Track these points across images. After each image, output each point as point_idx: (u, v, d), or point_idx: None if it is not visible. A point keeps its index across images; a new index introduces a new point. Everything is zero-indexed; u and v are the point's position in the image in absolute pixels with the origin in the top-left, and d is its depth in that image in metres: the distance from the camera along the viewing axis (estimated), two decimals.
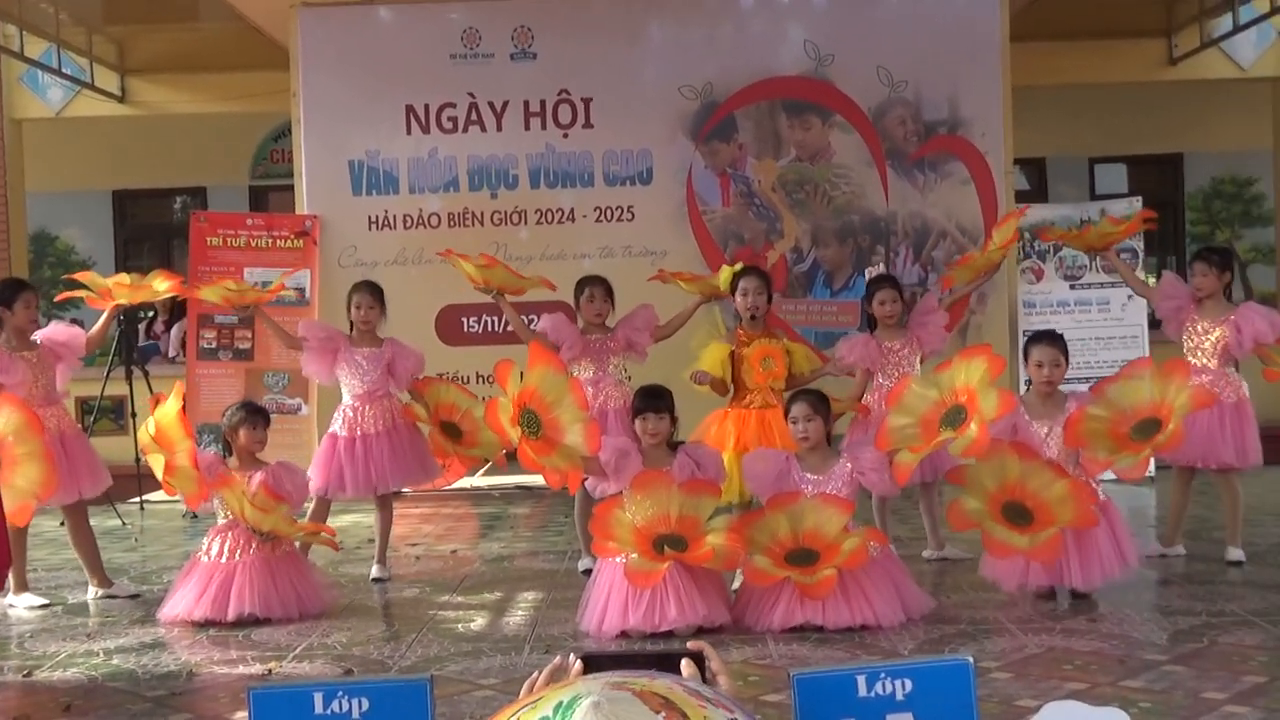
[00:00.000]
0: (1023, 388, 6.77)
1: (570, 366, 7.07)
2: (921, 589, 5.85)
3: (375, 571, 7.04)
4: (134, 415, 10.35)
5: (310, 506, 6.99)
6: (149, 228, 14.76)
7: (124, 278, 7.20)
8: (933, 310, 7.20)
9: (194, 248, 10.13)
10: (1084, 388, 6.46)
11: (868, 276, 9.23)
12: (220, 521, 6.28)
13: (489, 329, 10.15)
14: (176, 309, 12.07)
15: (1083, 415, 5.93)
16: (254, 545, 6.13)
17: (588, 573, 6.18)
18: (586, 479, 5.95)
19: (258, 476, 6.24)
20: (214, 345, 10.04)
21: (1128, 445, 5.85)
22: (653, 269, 8.31)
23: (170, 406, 6.27)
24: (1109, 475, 6.29)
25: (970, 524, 5.92)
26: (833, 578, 5.41)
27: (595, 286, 7.17)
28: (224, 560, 6.11)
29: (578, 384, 5.83)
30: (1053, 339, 6.25)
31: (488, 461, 7.27)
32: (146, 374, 10.62)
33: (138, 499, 10.13)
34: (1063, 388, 6.21)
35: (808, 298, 10.15)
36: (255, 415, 6.43)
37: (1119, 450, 5.87)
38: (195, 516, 8.85)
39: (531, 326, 7.33)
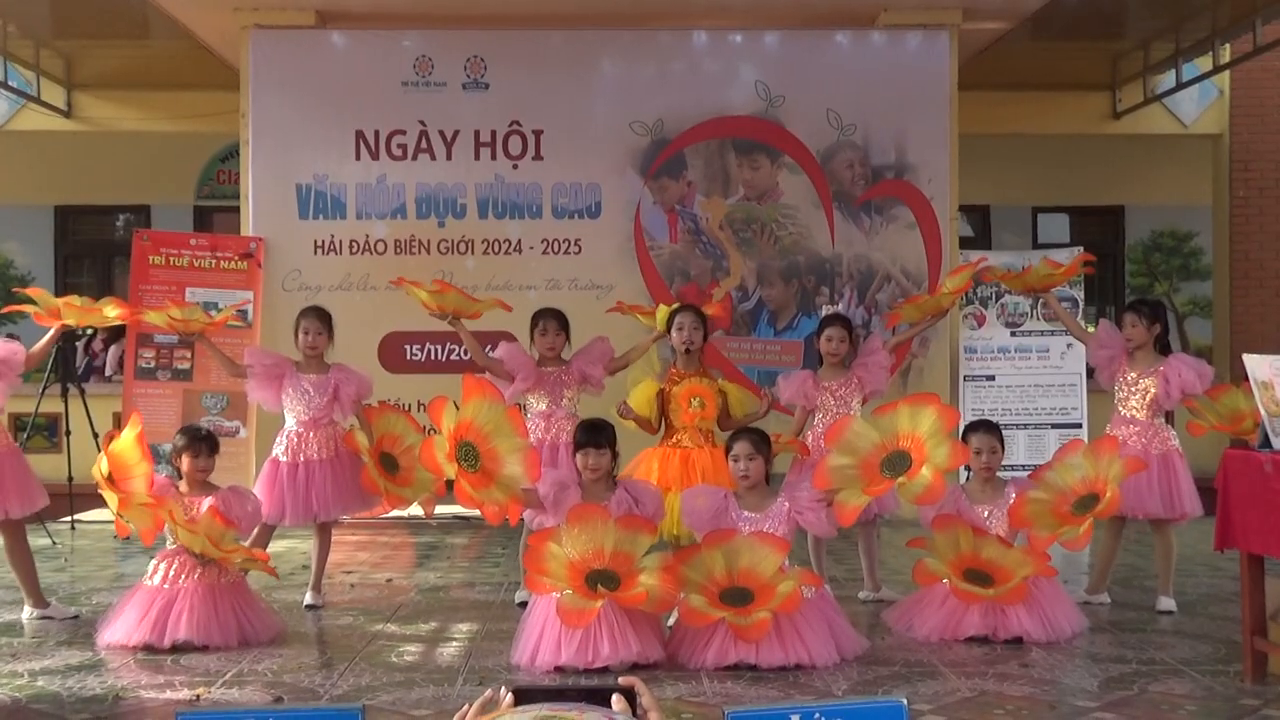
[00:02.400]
0: (962, 474, 6.88)
1: (524, 399, 7.08)
2: (856, 630, 5.89)
3: (309, 598, 6.99)
4: (68, 434, 10.23)
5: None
6: (91, 244, 14.59)
7: (75, 299, 7.06)
8: (876, 351, 7.23)
9: (136, 266, 10.03)
10: (1023, 434, 6.63)
11: (822, 313, 9.31)
12: (168, 546, 6.19)
13: (432, 357, 10.12)
14: (115, 327, 11.92)
15: (1025, 499, 6.27)
16: (198, 571, 6.04)
17: (524, 605, 6.16)
18: (525, 511, 5.94)
19: (207, 501, 6.18)
20: (152, 365, 9.93)
21: (1069, 520, 6.15)
22: (599, 302, 8.33)
23: (126, 436, 6.18)
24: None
25: (935, 579, 6.21)
26: (767, 621, 5.42)
27: (550, 320, 7.19)
28: (166, 585, 6.03)
29: (516, 413, 5.82)
30: (989, 428, 6.57)
31: (411, 503, 7.19)
32: (83, 392, 10.51)
33: (69, 518, 10.00)
34: (1001, 474, 6.54)
35: (751, 336, 10.19)
36: (198, 443, 6.33)
37: (1062, 525, 6.14)
38: (127, 539, 8.72)
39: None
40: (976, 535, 6.10)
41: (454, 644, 6.08)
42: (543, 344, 7.16)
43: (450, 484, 5.65)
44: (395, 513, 7.86)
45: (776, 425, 7.20)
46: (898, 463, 5.77)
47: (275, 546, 7.72)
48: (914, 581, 6.34)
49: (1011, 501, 6.30)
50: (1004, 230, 13.99)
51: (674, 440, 6.75)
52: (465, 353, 8.48)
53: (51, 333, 6.94)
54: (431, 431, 5.71)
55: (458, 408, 5.51)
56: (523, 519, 6.14)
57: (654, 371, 7.08)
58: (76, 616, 6.65)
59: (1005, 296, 10.41)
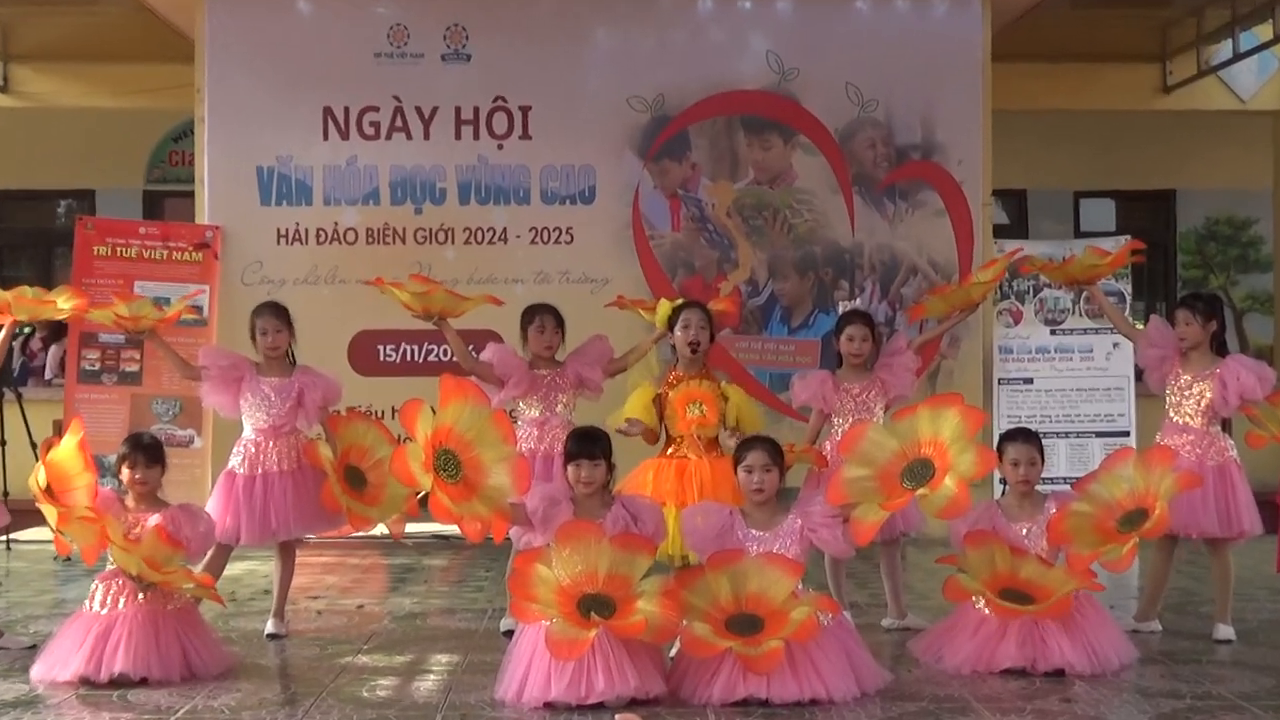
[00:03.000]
0: (997, 487, 6.87)
1: (515, 405, 7.06)
2: (879, 661, 5.87)
3: (271, 627, 6.96)
4: (3, 443, 10.20)
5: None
6: (29, 233, 14.58)
7: (26, 291, 6.93)
8: (901, 352, 7.22)
9: (79, 257, 10.01)
10: (1065, 444, 6.62)
11: (841, 309, 9.30)
12: (109, 567, 6.10)
13: (408, 358, 10.12)
14: (56, 325, 11.90)
15: (1066, 513, 6.24)
16: (140, 596, 5.97)
17: (510, 634, 6.14)
18: (512, 528, 5.92)
19: (154, 519, 6.10)
20: (97, 367, 9.93)
21: (1114, 537, 6.13)
22: (593, 297, 8.33)
23: (67, 443, 6.13)
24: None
25: (967, 595, 6.19)
26: (779, 651, 5.38)
27: (547, 316, 7.18)
28: (104, 611, 5.96)
29: (503, 417, 5.77)
30: (1027, 436, 6.52)
31: (378, 524, 7.15)
32: (20, 397, 10.48)
33: (3, 538, 9.97)
34: (1040, 488, 6.47)
35: (763, 335, 10.20)
36: (136, 452, 6.23)
37: (1105, 542, 6.12)
38: (68, 560, 8.71)
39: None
40: (1014, 554, 6.09)
41: (432, 677, 6.06)
42: (539, 343, 7.15)
43: (424, 501, 5.61)
44: (366, 532, 7.82)
45: (790, 434, 7.18)
46: (919, 472, 5.74)
47: (233, 569, 7.71)
48: (944, 598, 6.32)
49: (1051, 516, 6.30)
50: (1043, 217, 13.97)
51: (670, 451, 6.71)
52: (446, 353, 8.46)
53: (4, 330, 6.88)
54: (405, 440, 5.67)
55: (435, 412, 5.48)
56: (508, 537, 6.12)
57: (652, 375, 7.03)
58: (33, 647, 6.47)
59: (1045, 290, 10.41)
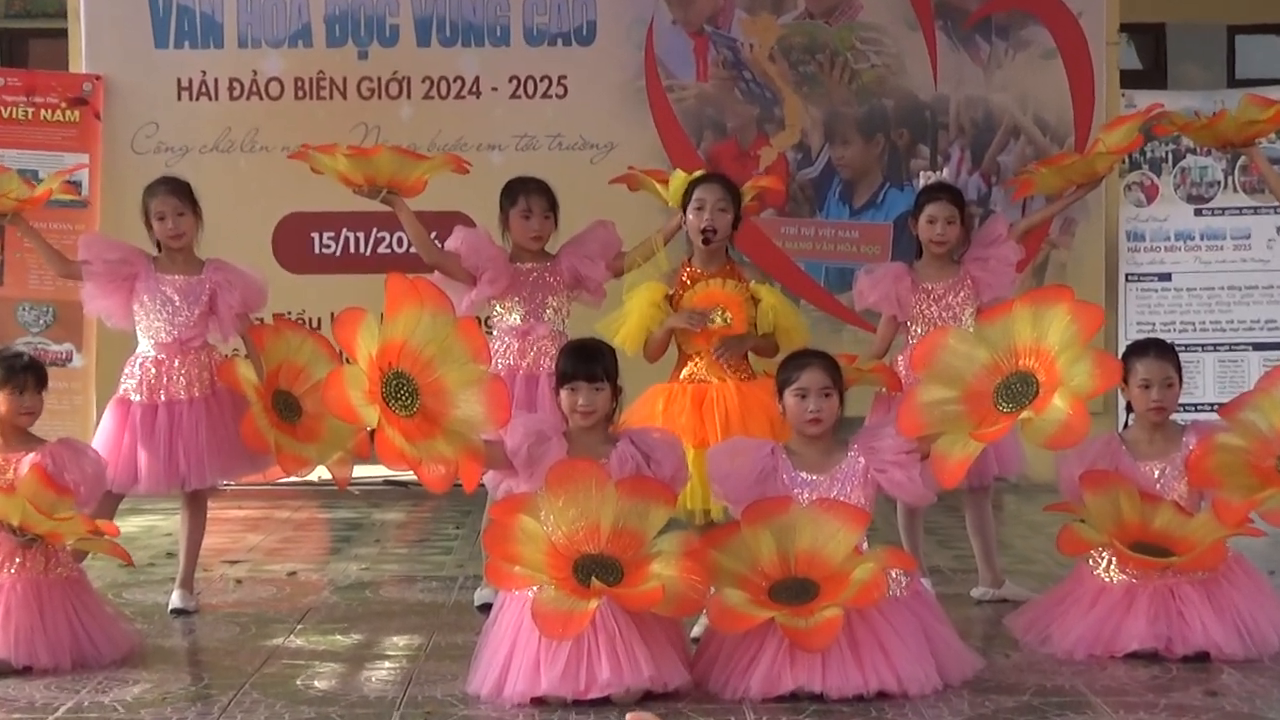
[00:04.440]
0: (1121, 416, 6.85)
1: (492, 310, 7.05)
2: (967, 644, 5.89)
3: (176, 599, 7.01)
4: None
5: None
6: None
7: None
8: (998, 240, 7.20)
9: None
10: (1212, 359, 6.59)
11: (920, 183, 9.28)
12: None
13: (352, 249, 10.13)
14: None
15: (1212, 448, 6.20)
16: (16, 561, 5.99)
17: (486, 609, 6.18)
18: (487, 473, 5.95)
19: (29, 459, 6.13)
20: None
21: (1275, 479, 6.09)
22: (593, 169, 8.31)
23: None
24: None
25: (1087, 547, 6.23)
26: (837, 620, 5.36)
27: (536, 195, 7.15)
28: None
29: (472, 326, 5.72)
30: (1162, 350, 6.45)
31: (318, 465, 7.17)
32: None
33: None
34: (1178, 415, 6.43)
35: (817, 218, 10.18)
36: (18, 375, 6.24)
37: (1263, 486, 6.09)
38: None
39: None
40: (1145, 500, 6.09)
41: (386, 666, 6.10)
42: (524, 230, 7.12)
43: (375, 435, 5.60)
44: (300, 477, 7.85)
45: (852, 346, 7.18)
46: (1019, 390, 5.69)
47: (126, 525, 7.75)
48: (1059, 551, 6.34)
49: (1190, 452, 6.30)
50: (1186, 60, 13.87)
51: (684, 373, 6.67)
52: (403, 242, 8.46)
53: None
54: (347, 361, 5.66)
55: (382, 322, 5.42)
56: (483, 485, 6.13)
57: (660, 272, 6.96)
58: None
59: (1188, 157, 10.36)
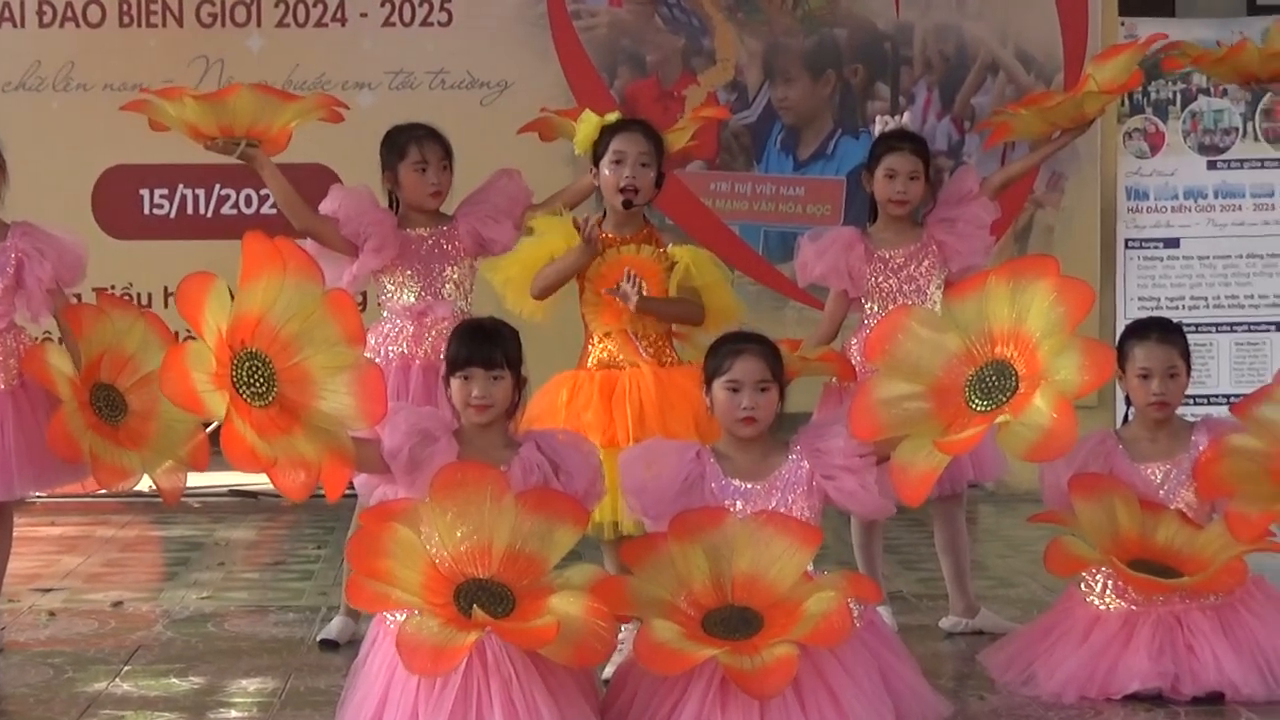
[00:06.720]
0: (1119, 411, 6.95)
1: (382, 287, 7.10)
2: (933, 685, 5.97)
3: None
4: None
5: None
6: None
7: None
8: (968, 197, 7.32)
9: None
10: (1227, 341, 6.71)
11: (877, 130, 9.37)
12: None
13: (191, 210, 10.16)
14: None
15: (1224, 450, 6.27)
16: None
17: (334, 645, 6.26)
18: (356, 478, 5.94)
19: None
20: None
21: None
22: (485, 112, 8.34)
23: None
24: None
25: (1080, 564, 6.28)
26: (791, 660, 5.33)
27: (430, 144, 7.22)
28: None
29: (344, 300, 5.67)
30: (1166, 332, 6.53)
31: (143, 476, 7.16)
32: None
33: None
34: (1185, 409, 6.55)
35: (754, 171, 10.25)
36: None
37: None
38: None
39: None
40: (1145, 510, 6.15)
41: (233, 715, 6.17)
42: (420, 187, 7.19)
43: (217, 436, 5.57)
44: (123, 490, 7.85)
45: (796, 329, 7.26)
46: (995, 384, 5.70)
47: None
48: (1047, 570, 6.41)
49: (1199, 454, 6.38)
50: None
51: (596, 357, 6.71)
52: (252, 201, 8.52)
53: None
54: (189, 337, 5.66)
55: (233, 295, 5.36)
56: (350, 493, 6.12)
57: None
58: None
59: (1200, 98, 10.48)
